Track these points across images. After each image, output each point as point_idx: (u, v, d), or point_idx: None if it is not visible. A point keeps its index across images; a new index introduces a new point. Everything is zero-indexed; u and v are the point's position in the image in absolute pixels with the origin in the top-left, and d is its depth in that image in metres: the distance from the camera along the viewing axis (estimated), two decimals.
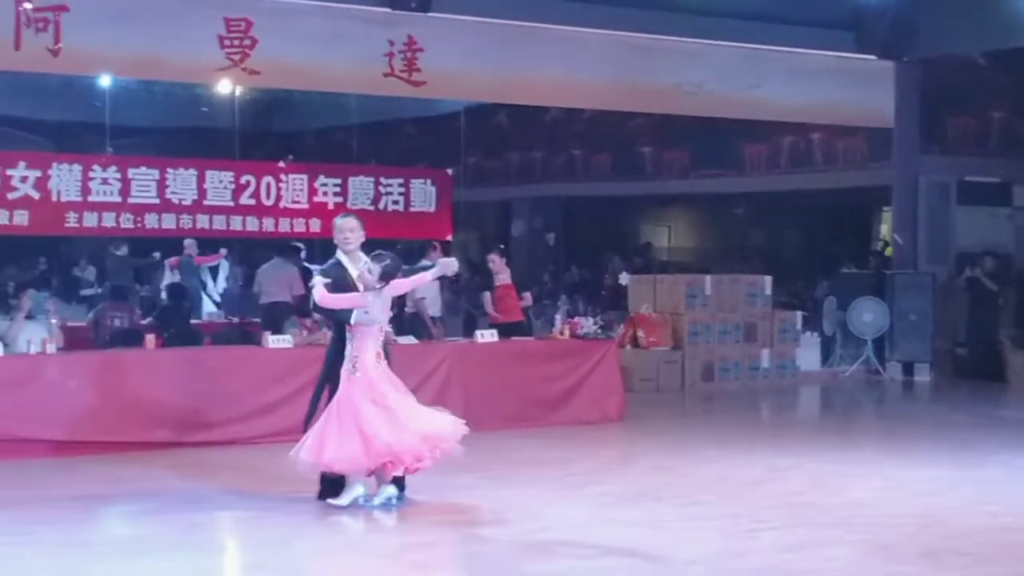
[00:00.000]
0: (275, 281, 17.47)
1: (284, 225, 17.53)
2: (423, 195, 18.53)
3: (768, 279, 19.94)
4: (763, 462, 12.15)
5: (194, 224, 17.17)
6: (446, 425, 9.84)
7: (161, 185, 16.72)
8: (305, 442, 9.68)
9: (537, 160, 31.14)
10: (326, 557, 8.74)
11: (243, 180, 17.25)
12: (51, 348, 12.50)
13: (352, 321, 9.73)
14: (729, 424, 15.36)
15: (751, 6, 19.05)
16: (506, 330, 15.28)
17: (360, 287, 9.76)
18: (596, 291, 25.72)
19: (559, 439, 13.49)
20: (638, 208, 31.31)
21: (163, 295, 19.46)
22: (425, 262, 15.41)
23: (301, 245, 18.96)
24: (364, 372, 9.65)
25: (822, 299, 22.28)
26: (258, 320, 17.45)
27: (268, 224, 17.41)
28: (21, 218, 15.93)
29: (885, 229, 26.44)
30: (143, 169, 16.73)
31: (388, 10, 16.68)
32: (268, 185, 17.36)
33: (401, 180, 18.43)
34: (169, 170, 16.84)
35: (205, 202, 17.03)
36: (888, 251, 23.52)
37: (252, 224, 17.34)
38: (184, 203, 16.88)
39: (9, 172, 15.83)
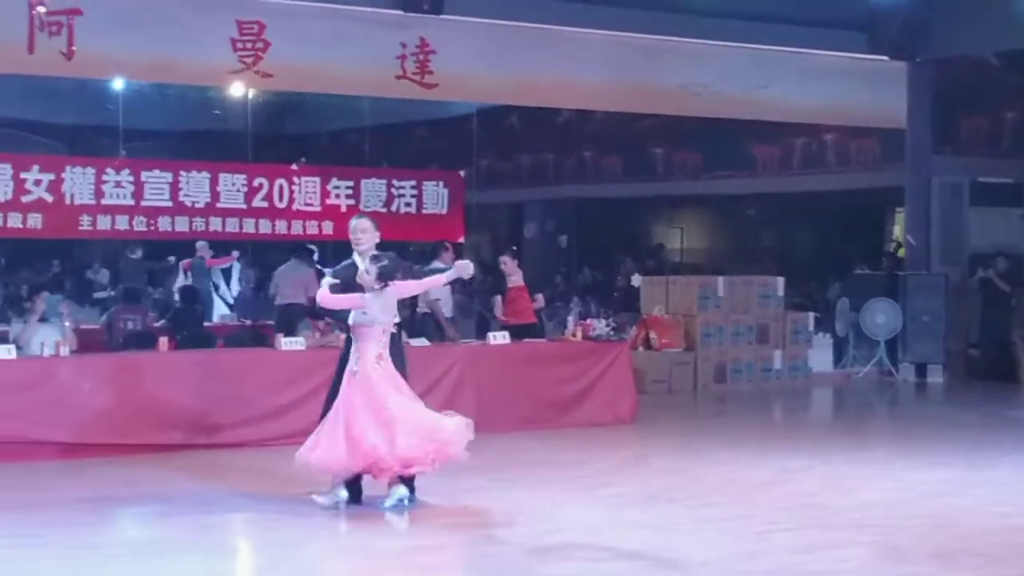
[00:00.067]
0: (291, 283, 17.49)
1: (297, 227, 17.58)
2: (435, 197, 18.56)
3: (781, 280, 19.93)
4: (775, 464, 12.14)
5: (207, 227, 17.23)
6: (450, 429, 9.76)
7: (174, 188, 16.78)
8: (306, 442, 9.74)
9: (549, 162, 31.13)
10: (337, 559, 8.76)
11: (256, 183, 17.31)
12: (64, 351, 12.53)
13: (350, 321, 9.76)
14: (741, 426, 15.34)
15: (762, 7, 19.04)
16: (518, 332, 15.29)
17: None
18: (608, 293, 25.71)
19: (571, 441, 13.49)
20: (650, 209, 31.28)
21: (176, 298, 19.49)
22: (438, 264, 15.43)
23: (314, 247, 18.99)
24: (363, 373, 9.63)
25: (835, 300, 22.26)
26: (271, 322, 17.48)
27: (281, 227, 17.46)
28: (35, 221, 15.99)
29: (898, 230, 26.38)
30: (156, 172, 16.79)
31: (400, 12, 16.69)
32: (281, 188, 17.41)
33: (413, 182, 18.47)
34: (182, 173, 16.89)
35: (218, 205, 17.09)
36: (901, 252, 23.47)
37: (265, 227, 17.40)
38: (197, 206, 16.95)
39: (23, 175, 15.89)
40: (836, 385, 19.97)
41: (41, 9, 14.40)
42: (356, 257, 10.06)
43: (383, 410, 9.56)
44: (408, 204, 18.30)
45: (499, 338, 14.73)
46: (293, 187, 17.49)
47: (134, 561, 8.48)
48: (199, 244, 20.61)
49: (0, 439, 11.74)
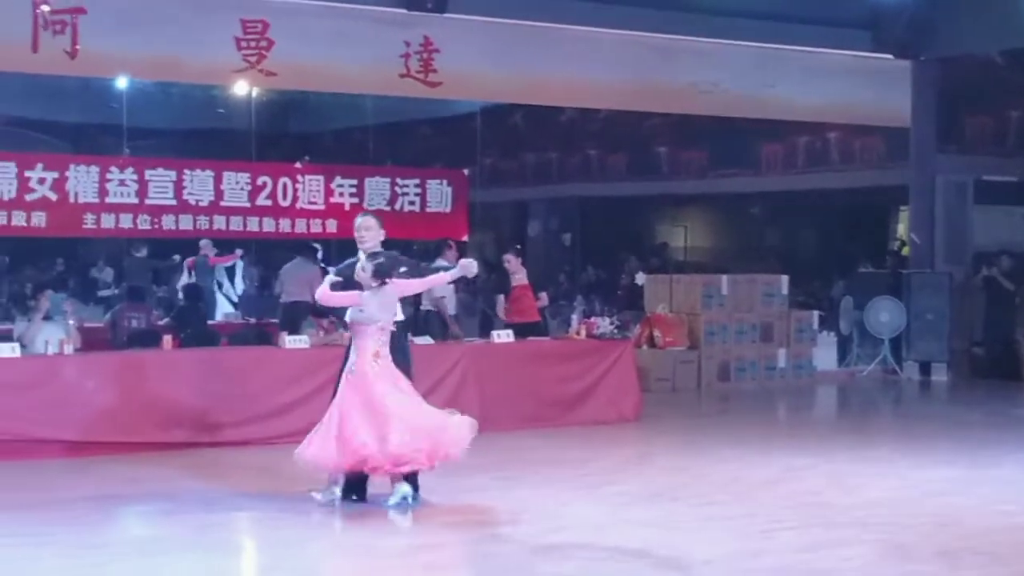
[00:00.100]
0: (296, 280, 17.49)
1: (300, 226, 17.57)
2: (439, 196, 18.55)
3: (785, 279, 19.90)
4: (779, 462, 12.14)
5: (211, 225, 17.22)
6: (451, 428, 9.72)
7: (178, 186, 16.77)
8: (305, 440, 9.76)
9: (553, 160, 31.14)
10: (340, 557, 8.76)
11: (260, 181, 17.29)
12: (68, 349, 12.53)
13: (347, 319, 9.77)
14: (745, 424, 15.34)
15: (767, 6, 19.04)
16: (522, 330, 15.28)
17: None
18: (612, 291, 25.71)
19: (575, 439, 13.50)
20: (654, 208, 31.27)
21: (180, 296, 19.50)
22: (442, 262, 15.41)
23: (317, 245, 19.00)
24: (359, 371, 9.62)
25: (839, 299, 22.24)
26: (275, 320, 17.48)
27: (285, 225, 17.45)
28: (39, 219, 15.98)
29: (902, 228, 26.36)
30: (160, 170, 16.77)
31: (404, 11, 16.71)
32: (285, 186, 17.39)
33: (417, 181, 18.46)
34: (186, 171, 16.88)
35: (222, 203, 17.07)
36: (905, 251, 23.46)
37: (269, 225, 17.38)
38: (201, 204, 16.93)
39: (27, 174, 15.88)
40: (840, 383, 19.97)
41: (45, 8, 14.41)
42: (361, 255, 10.07)
43: (377, 408, 9.51)
44: (412, 202, 18.29)
45: (503, 336, 14.73)
46: (297, 185, 17.49)
47: (138, 559, 8.49)
48: (203, 242, 20.63)
49: (4, 437, 11.76)
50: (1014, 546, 8.84)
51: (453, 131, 26.79)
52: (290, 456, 9.96)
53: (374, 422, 9.49)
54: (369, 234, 10.11)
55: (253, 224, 17.33)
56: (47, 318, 13.86)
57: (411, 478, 9.82)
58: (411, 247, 17.53)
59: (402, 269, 10.12)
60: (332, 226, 17.58)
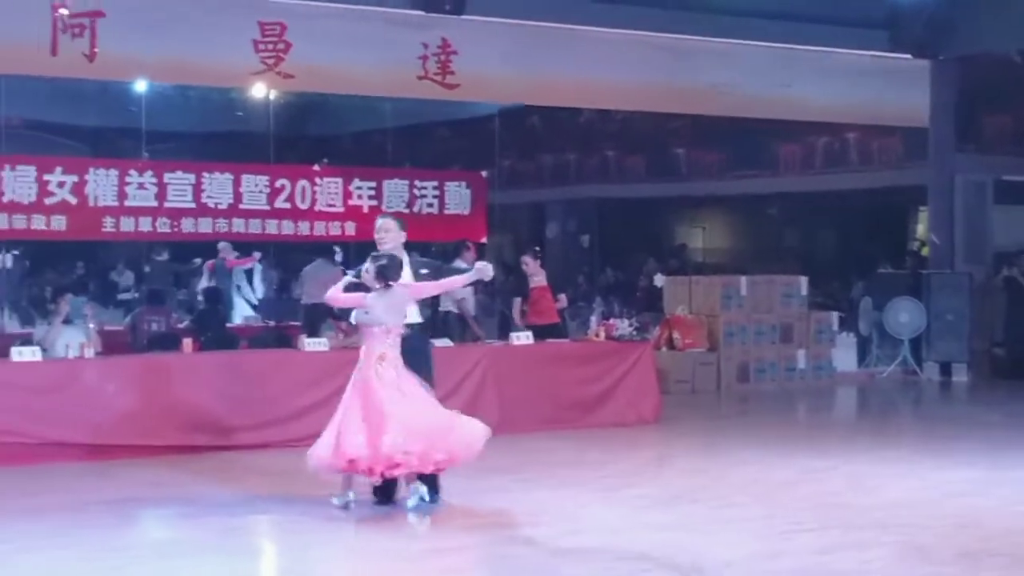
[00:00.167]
0: (316, 283, 17.51)
1: (319, 228, 17.63)
2: (458, 198, 18.58)
3: (804, 280, 19.87)
4: (799, 464, 12.12)
5: (230, 228, 17.29)
6: (458, 431, 9.66)
7: (197, 189, 16.83)
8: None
9: (571, 162, 31.12)
10: (359, 561, 8.76)
11: (278, 184, 17.35)
12: (89, 352, 12.58)
13: (352, 320, 9.76)
14: (765, 426, 15.32)
15: (784, 6, 19.01)
16: (541, 332, 15.29)
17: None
18: (631, 293, 25.69)
19: (594, 441, 13.48)
20: (672, 209, 31.24)
21: (199, 299, 19.54)
22: (460, 263, 15.41)
23: (336, 248, 19.04)
24: (362, 373, 9.59)
25: (858, 299, 22.20)
26: (295, 323, 17.52)
27: (303, 228, 17.51)
28: (59, 223, 16.06)
29: (921, 229, 26.32)
30: (179, 174, 16.85)
31: (422, 13, 16.72)
32: (303, 189, 17.45)
33: (436, 183, 18.50)
34: (205, 174, 16.95)
35: (241, 206, 17.15)
36: (924, 251, 23.42)
37: (287, 228, 17.45)
38: (220, 207, 17.01)
39: (46, 177, 15.97)
40: (860, 384, 19.92)
41: (64, 11, 14.44)
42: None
43: (376, 410, 9.44)
44: (430, 204, 18.33)
45: (522, 338, 14.73)
46: (315, 188, 17.54)
47: (156, 562, 8.50)
48: (221, 245, 20.65)
49: (24, 440, 11.81)
50: None
51: (471, 133, 26.78)
52: None
53: (370, 424, 9.43)
54: (388, 235, 10.08)
55: (272, 227, 17.40)
56: (67, 322, 13.91)
57: (430, 479, 9.82)
58: (429, 249, 17.55)
59: (423, 271, 10.11)
60: (351, 228, 17.63)
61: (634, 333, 15.32)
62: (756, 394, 18.39)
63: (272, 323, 18.88)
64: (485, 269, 10.14)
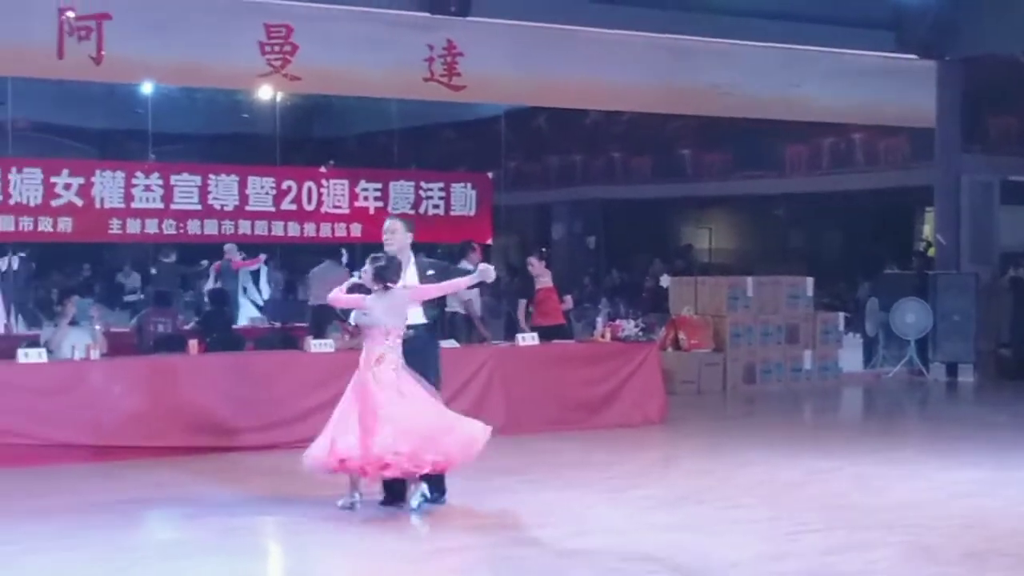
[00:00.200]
0: (324, 284, 17.51)
1: (325, 230, 17.64)
2: (463, 199, 18.58)
3: (810, 280, 19.86)
4: (805, 464, 12.11)
5: (236, 230, 17.31)
6: (457, 432, 9.61)
7: (203, 191, 16.85)
8: None
9: (577, 163, 31.14)
10: (364, 561, 8.76)
11: (284, 186, 17.37)
12: (95, 354, 12.57)
13: (351, 322, 9.75)
14: (771, 426, 15.32)
15: (790, 7, 19.01)
16: (547, 333, 15.29)
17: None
18: (637, 294, 25.70)
19: (600, 442, 13.47)
20: (678, 210, 31.26)
21: (205, 300, 19.56)
22: (466, 264, 15.42)
23: (343, 250, 19.05)
24: (360, 375, 9.60)
25: (864, 300, 22.18)
26: (301, 325, 17.52)
27: (309, 229, 17.52)
28: (65, 225, 16.09)
29: (927, 229, 26.30)
30: (185, 176, 16.86)
31: (428, 15, 16.73)
32: (309, 190, 17.46)
33: (441, 184, 18.51)
34: (211, 176, 16.97)
35: (247, 208, 17.16)
36: (931, 251, 23.40)
37: (293, 229, 17.47)
38: (226, 209, 17.03)
39: (53, 179, 16.00)
40: (866, 385, 19.90)
41: (70, 14, 14.47)
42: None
43: (370, 411, 9.44)
44: (436, 206, 18.33)
45: (528, 339, 14.73)
46: (321, 190, 17.55)
47: (161, 563, 8.51)
48: (227, 247, 20.67)
49: (30, 442, 11.82)
50: None
51: (477, 134, 26.82)
52: None
53: (363, 425, 9.43)
54: (394, 237, 10.06)
55: (278, 228, 17.41)
56: (73, 323, 13.93)
57: (436, 480, 9.82)
58: (435, 250, 17.57)
59: (429, 272, 10.10)
60: (357, 230, 17.64)
61: (640, 334, 15.31)
62: (762, 395, 18.38)
63: (278, 324, 18.86)
64: (487, 271, 10.10)
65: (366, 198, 17.83)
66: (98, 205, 16.25)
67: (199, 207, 16.86)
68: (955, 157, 21.08)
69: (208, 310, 17.82)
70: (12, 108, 18.35)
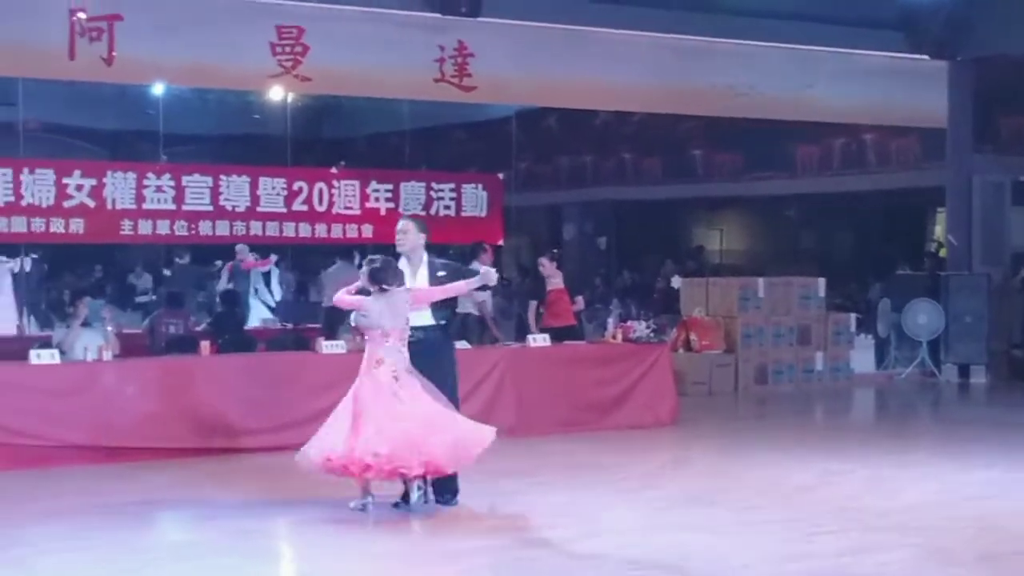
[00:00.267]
0: (336, 285, 17.49)
1: (336, 231, 17.66)
2: (474, 200, 18.59)
3: (822, 281, 19.82)
4: (817, 466, 12.08)
5: (247, 231, 17.34)
6: (453, 438, 9.50)
7: (215, 192, 16.88)
8: None
9: (588, 164, 31.13)
10: (376, 563, 8.74)
11: (295, 187, 17.39)
12: (107, 355, 12.57)
13: (351, 323, 9.75)
14: (783, 428, 15.30)
15: (801, 7, 18.99)
16: (558, 334, 15.28)
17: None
18: (648, 295, 25.69)
19: (611, 443, 13.46)
20: (689, 211, 31.24)
21: (217, 301, 19.58)
22: (477, 265, 15.42)
23: (355, 251, 19.06)
24: (358, 377, 9.60)
25: (876, 301, 22.15)
26: (312, 326, 17.54)
27: (320, 230, 17.54)
28: (77, 226, 16.13)
29: (939, 230, 26.26)
30: (197, 177, 16.89)
31: (438, 15, 16.74)
32: (320, 191, 17.48)
33: (452, 185, 18.52)
34: (222, 177, 16.99)
35: (258, 209, 17.19)
36: (942, 252, 23.36)
37: (305, 230, 17.49)
38: (237, 210, 17.06)
39: (65, 180, 16.03)
40: (878, 386, 19.87)
41: (82, 15, 14.48)
42: (403, 260, 10.04)
43: (359, 413, 9.43)
44: (447, 207, 18.34)
45: (539, 340, 14.72)
46: (332, 191, 17.57)
47: (173, 565, 8.51)
48: (238, 247, 20.70)
49: (43, 443, 11.83)
50: None
51: (488, 135, 26.82)
52: None
53: (353, 426, 9.43)
54: (407, 237, 10.03)
55: (289, 229, 17.44)
56: (86, 324, 13.94)
57: (447, 481, 9.80)
58: (447, 251, 17.56)
59: (440, 273, 10.06)
60: (368, 231, 17.65)
61: (651, 335, 15.30)
62: (774, 396, 18.35)
63: (290, 325, 18.88)
64: (489, 274, 10.01)
65: (377, 199, 17.85)
66: (110, 206, 16.29)
67: (211, 208, 16.88)
68: (966, 158, 21.04)
69: (220, 311, 17.85)
70: (24, 109, 18.38)
